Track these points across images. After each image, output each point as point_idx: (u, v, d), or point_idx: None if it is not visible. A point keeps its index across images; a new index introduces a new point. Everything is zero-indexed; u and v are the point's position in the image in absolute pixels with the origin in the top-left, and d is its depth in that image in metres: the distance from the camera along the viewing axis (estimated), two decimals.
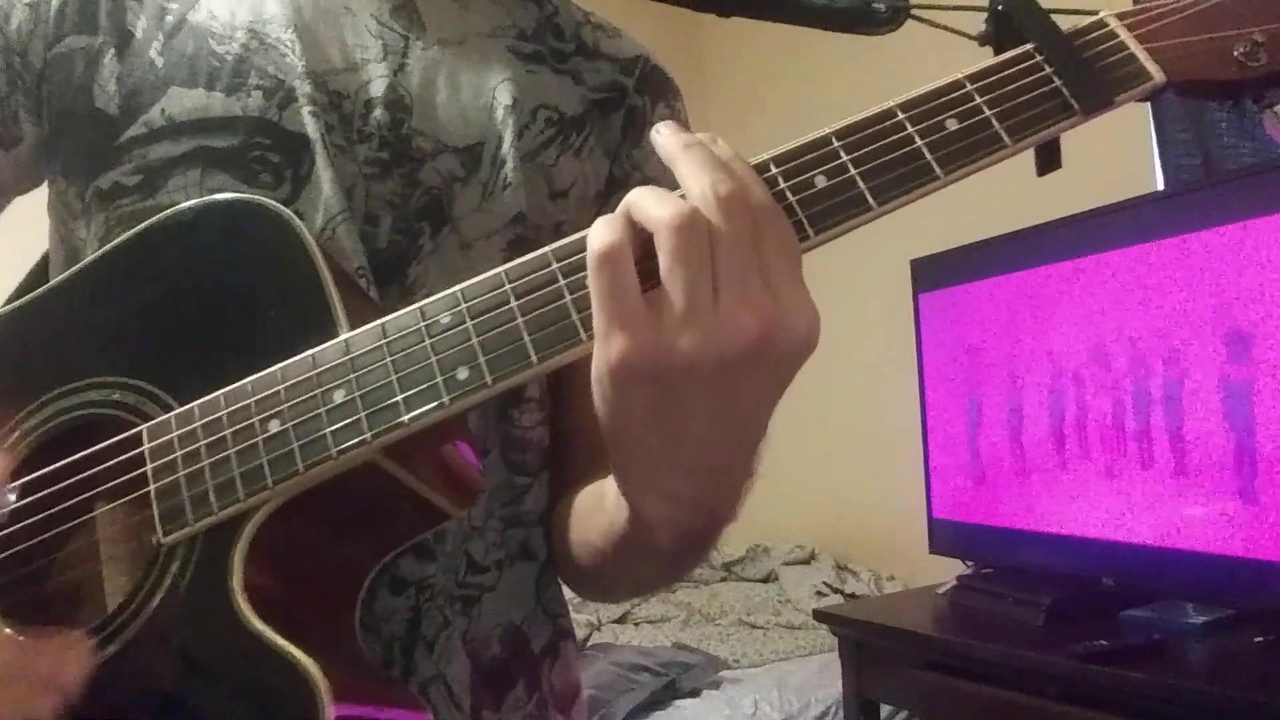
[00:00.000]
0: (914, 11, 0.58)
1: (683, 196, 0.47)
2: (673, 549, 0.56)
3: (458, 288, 0.53)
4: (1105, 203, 1.97)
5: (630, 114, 0.76)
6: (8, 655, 0.53)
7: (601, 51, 0.77)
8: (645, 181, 0.74)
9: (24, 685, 0.52)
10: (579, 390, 0.73)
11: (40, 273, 0.75)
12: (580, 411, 0.73)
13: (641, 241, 0.47)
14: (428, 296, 0.54)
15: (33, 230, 0.77)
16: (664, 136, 0.49)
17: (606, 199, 0.74)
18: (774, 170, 0.50)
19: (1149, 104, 2.25)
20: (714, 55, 3.57)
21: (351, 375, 0.53)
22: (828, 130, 0.50)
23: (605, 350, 0.46)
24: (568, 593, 0.76)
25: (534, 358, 0.51)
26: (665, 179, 0.75)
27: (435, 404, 0.52)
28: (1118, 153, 2.22)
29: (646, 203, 0.47)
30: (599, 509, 0.61)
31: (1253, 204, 1.71)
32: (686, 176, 0.47)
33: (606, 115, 0.75)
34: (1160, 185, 2.26)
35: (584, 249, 0.51)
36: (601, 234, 0.46)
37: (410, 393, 0.52)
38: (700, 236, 0.45)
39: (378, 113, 0.68)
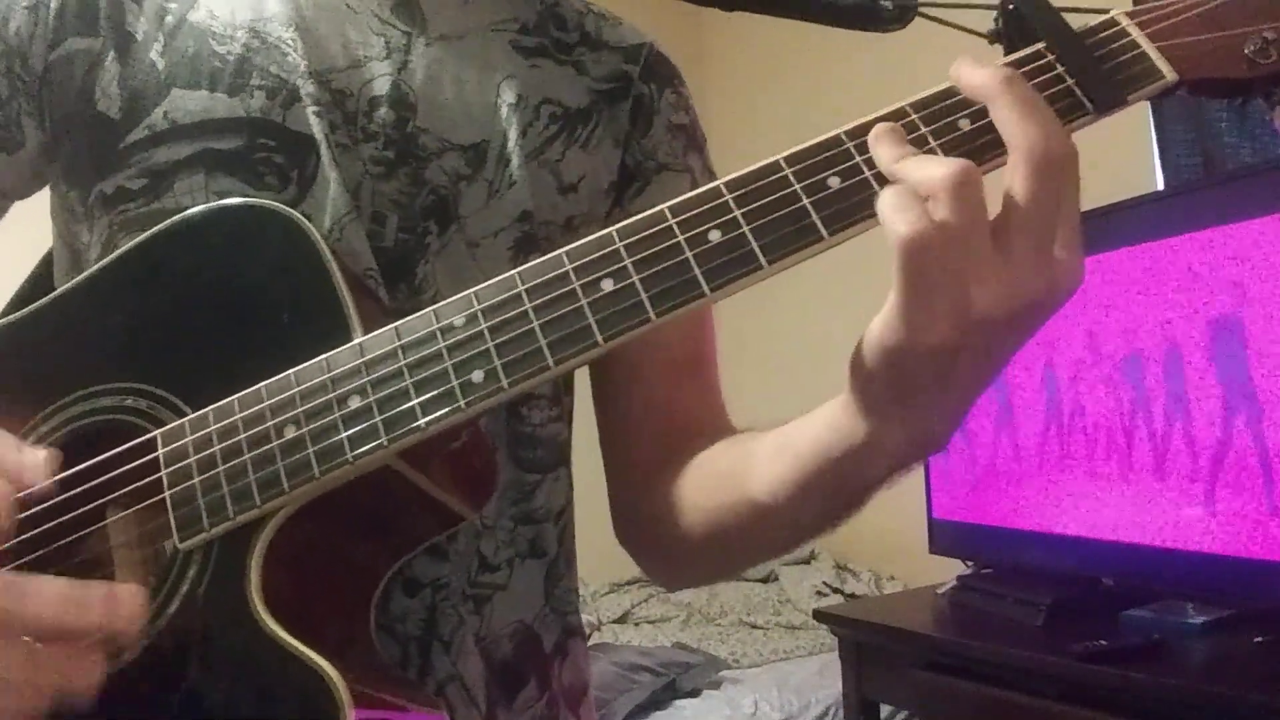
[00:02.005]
0: (922, 9, 0.58)
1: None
2: (868, 494, 0.56)
3: (471, 290, 0.53)
4: (1105, 203, 1.97)
5: (638, 103, 0.75)
6: (14, 660, 0.51)
7: (605, 41, 0.76)
8: (659, 169, 0.74)
9: (26, 693, 0.49)
10: (638, 376, 0.73)
11: (41, 275, 0.74)
12: (645, 396, 0.73)
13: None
14: (436, 296, 0.54)
15: (34, 231, 0.77)
16: (972, 72, 0.47)
17: (621, 189, 0.74)
18: (786, 170, 0.50)
19: (1149, 104, 2.26)
20: (715, 52, 3.57)
21: (366, 380, 0.53)
22: (839, 130, 0.50)
23: (909, 331, 0.46)
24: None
25: (550, 360, 0.51)
26: (677, 164, 0.75)
27: (451, 408, 0.52)
28: (1118, 153, 2.22)
29: (926, 170, 0.45)
30: (776, 458, 0.60)
31: (1253, 204, 1.71)
32: (1010, 123, 0.46)
33: (614, 105, 0.75)
34: (1160, 185, 2.26)
35: (596, 250, 0.51)
36: (906, 219, 0.44)
37: (426, 397, 0.52)
38: (980, 196, 0.45)
39: (382, 111, 0.67)
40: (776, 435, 0.61)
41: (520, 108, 0.71)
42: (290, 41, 0.67)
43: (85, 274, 0.63)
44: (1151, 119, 2.27)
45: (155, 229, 0.61)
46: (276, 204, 0.60)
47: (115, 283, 0.62)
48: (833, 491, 0.57)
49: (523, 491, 0.72)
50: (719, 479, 0.67)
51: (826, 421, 0.55)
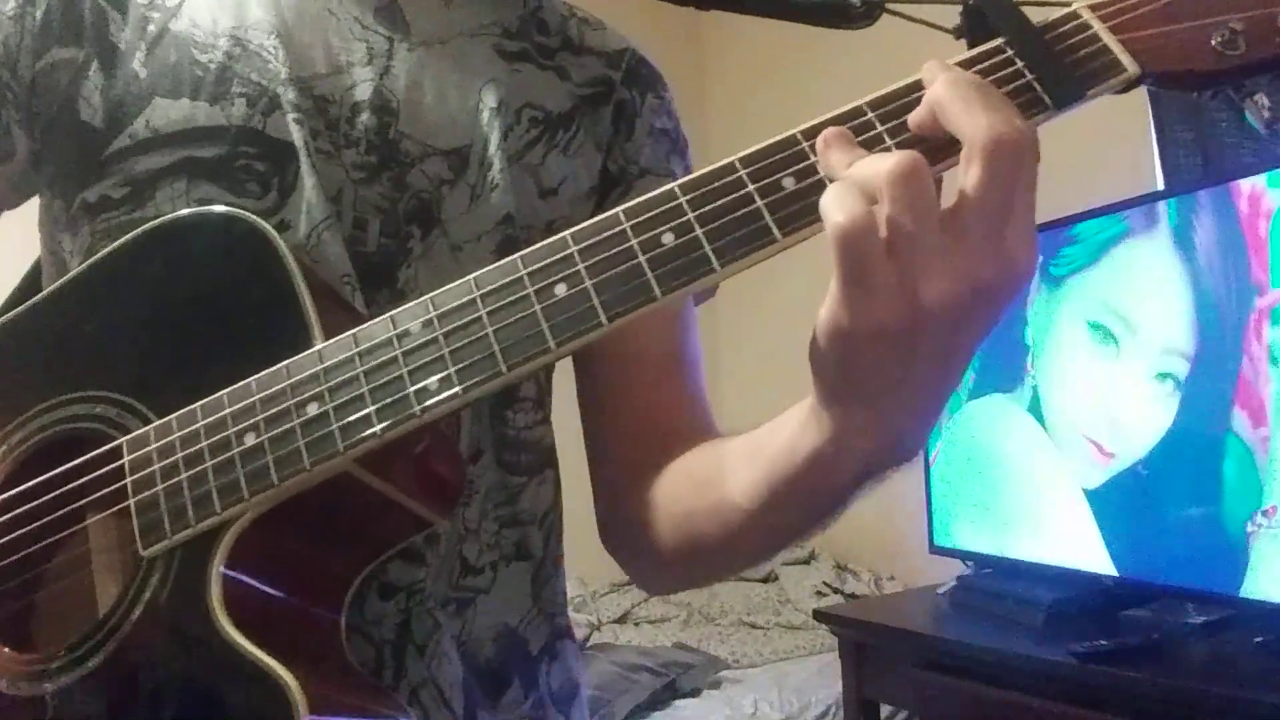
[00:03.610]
0: (889, 6, 0.57)
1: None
2: (841, 500, 0.56)
3: (428, 296, 0.53)
4: (1105, 203, 1.96)
5: (619, 108, 0.75)
6: None
7: (587, 46, 0.76)
8: (641, 174, 0.74)
9: None
10: (620, 377, 0.73)
11: (29, 284, 0.74)
12: (626, 397, 0.73)
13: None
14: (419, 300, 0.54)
15: (26, 238, 0.77)
16: (934, 74, 0.47)
17: (602, 193, 0.74)
18: (741, 171, 0.49)
19: (1149, 104, 2.25)
20: (714, 54, 3.57)
21: (324, 387, 0.53)
22: (795, 130, 0.50)
23: (852, 316, 0.45)
24: (570, 590, 0.76)
25: (503, 366, 0.50)
26: (660, 169, 0.75)
27: (407, 414, 0.52)
28: (1118, 153, 2.21)
29: (872, 167, 0.45)
30: (750, 461, 0.59)
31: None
32: (958, 116, 0.45)
33: (596, 109, 0.75)
34: (1160, 185, 2.25)
35: (550, 255, 0.51)
36: (842, 208, 0.44)
37: (382, 404, 0.52)
38: (926, 186, 0.44)
39: (364, 117, 0.67)
40: (749, 439, 0.61)
41: (502, 112, 0.71)
42: (272, 49, 0.67)
43: (58, 283, 0.64)
44: (1151, 119, 2.25)
45: (124, 238, 0.62)
46: (242, 212, 0.60)
47: (86, 292, 0.63)
48: (803, 495, 0.57)
49: (508, 494, 0.72)
50: (692, 484, 0.66)
51: (795, 419, 0.55)
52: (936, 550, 2.34)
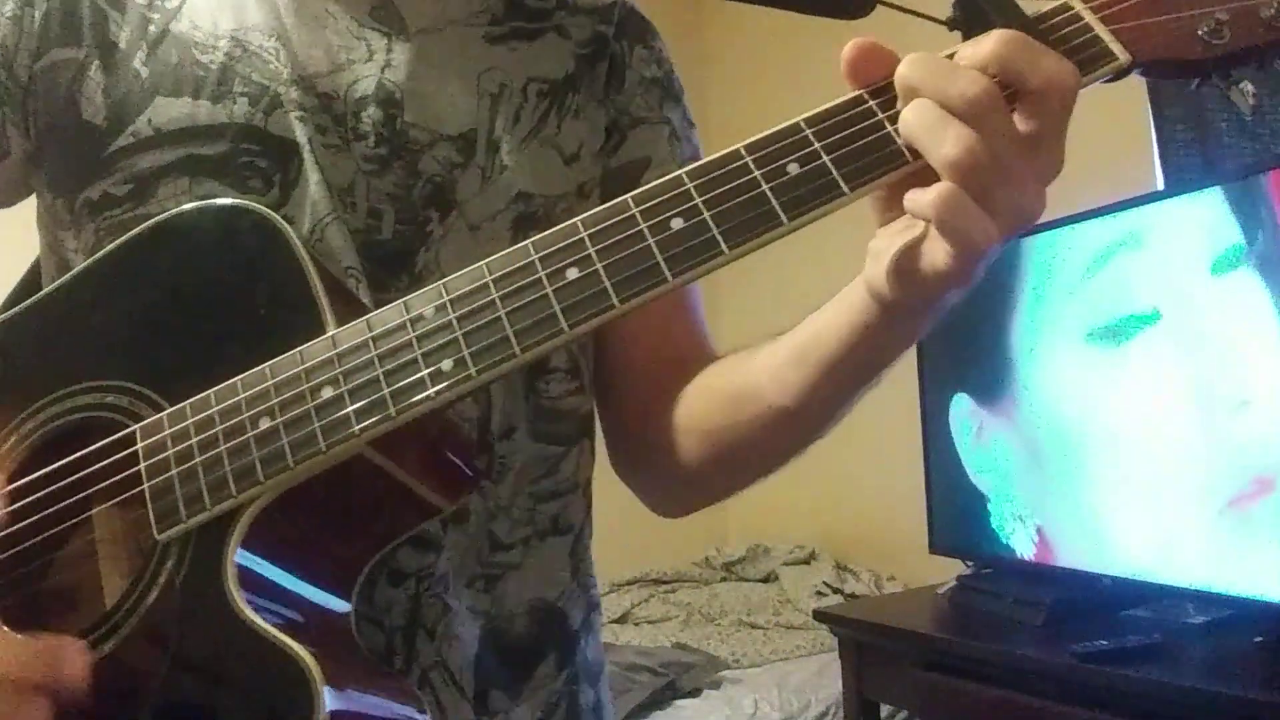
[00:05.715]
0: None
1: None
2: (881, 375, 0.62)
3: (440, 282, 0.54)
4: (1105, 203, 1.97)
5: (612, 61, 0.77)
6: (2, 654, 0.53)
7: (580, 5, 0.78)
8: (634, 124, 0.76)
9: (14, 687, 0.51)
10: (633, 314, 0.75)
11: (29, 282, 0.75)
12: (640, 331, 0.75)
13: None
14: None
15: (23, 239, 0.78)
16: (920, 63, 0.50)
17: (607, 147, 0.76)
18: (747, 157, 0.51)
19: (1149, 104, 2.26)
20: (715, 44, 3.57)
21: (338, 370, 0.54)
22: (799, 118, 0.51)
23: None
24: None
25: (516, 348, 0.52)
26: (653, 117, 0.77)
27: (421, 397, 0.53)
28: (1118, 153, 2.22)
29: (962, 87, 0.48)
30: (796, 366, 0.63)
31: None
32: (1028, 61, 0.49)
33: (593, 68, 0.76)
34: (1160, 185, 2.26)
35: (561, 240, 0.52)
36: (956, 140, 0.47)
37: (396, 386, 0.53)
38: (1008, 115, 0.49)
39: (370, 110, 0.69)
40: (789, 348, 0.64)
41: (505, 97, 0.72)
42: (273, 50, 0.69)
43: (68, 275, 0.65)
44: (1151, 119, 2.26)
45: (135, 230, 0.62)
46: (252, 203, 0.61)
47: (96, 283, 0.64)
48: (852, 384, 0.62)
49: (547, 466, 0.73)
50: (724, 402, 0.69)
51: (849, 327, 0.58)
52: (936, 550, 2.34)
